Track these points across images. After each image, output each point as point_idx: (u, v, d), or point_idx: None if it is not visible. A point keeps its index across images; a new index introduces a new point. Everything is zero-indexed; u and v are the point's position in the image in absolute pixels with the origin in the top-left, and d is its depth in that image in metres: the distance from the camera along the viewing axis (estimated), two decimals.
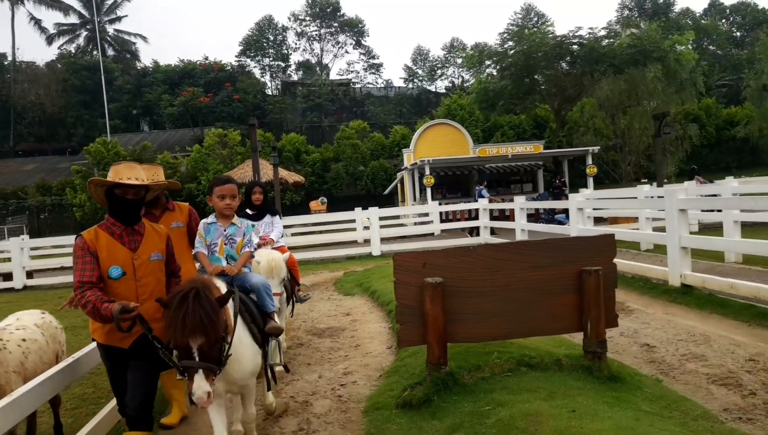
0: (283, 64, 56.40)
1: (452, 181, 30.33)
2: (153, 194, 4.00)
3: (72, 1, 59.65)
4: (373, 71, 57.78)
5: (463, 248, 4.70)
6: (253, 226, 4.27)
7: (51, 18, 64.76)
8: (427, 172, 25.78)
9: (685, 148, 33.84)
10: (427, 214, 21.75)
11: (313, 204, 28.72)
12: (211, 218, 4.05)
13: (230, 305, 3.27)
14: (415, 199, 28.30)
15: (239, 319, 3.41)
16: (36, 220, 37.79)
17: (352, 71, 58.21)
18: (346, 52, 59.08)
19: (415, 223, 23.04)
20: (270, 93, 53.73)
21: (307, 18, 56.65)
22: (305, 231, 21.33)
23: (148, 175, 4.29)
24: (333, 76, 57.36)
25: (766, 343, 5.71)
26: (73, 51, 60.50)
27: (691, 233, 8.90)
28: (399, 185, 32.70)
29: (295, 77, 56.26)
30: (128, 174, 3.48)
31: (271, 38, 55.49)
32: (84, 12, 59.88)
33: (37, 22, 59.83)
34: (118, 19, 62.60)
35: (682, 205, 8.03)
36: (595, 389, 4.22)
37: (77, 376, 4.05)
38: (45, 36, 60.86)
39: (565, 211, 16.76)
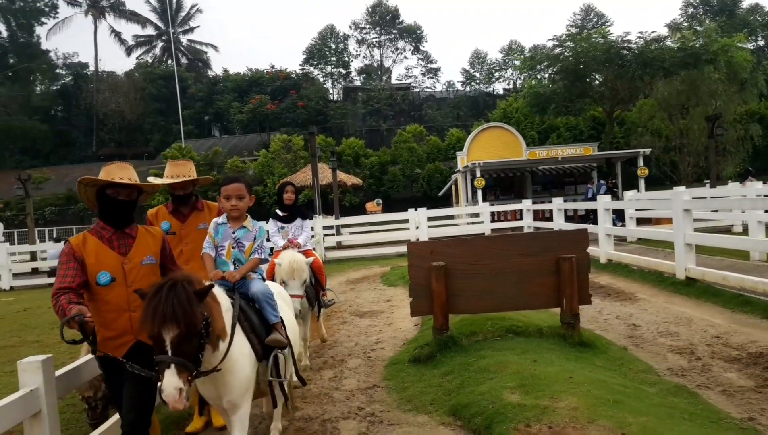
0: (344, 71, 58.43)
1: (505, 183, 31.14)
2: (147, 197, 3.67)
3: (149, 14, 63.81)
4: (431, 75, 59.07)
5: (462, 239, 5.93)
6: (267, 230, 4.02)
7: (130, 30, 69.63)
8: (478, 174, 26.75)
9: (746, 149, 33.32)
10: (478, 215, 22.78)
11: (369, 205, 30.19)
12: (222, 218, 3.75)
13: (227, 310, 3.13)
14: (468, 201, 29.30)
15: (238, 327, 3.19)
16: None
17: (410, 76, 59.73)
18: (405, 57, 60.60)
19: (468, 223, 24.09)
20: (332, 99, 55.78)
21: (368, 26, 58.49)
22: (361, 230, 22.72)
23: (179, 171, 4.37)
24: (392, 81, 58.91)
25: (738, 325, 6.64)
26: (150, 61, 64.59)
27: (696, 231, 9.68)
28: (453, 187, 33.78)
29: (356, 83, 58.13)
30: (120, 174, 3.31)
31: (333, 46, 57.62)
32: (160, 24, 63.82)
33: (117, 35, 64.29)
34: (191, 29, 66.41)
35: (686, 206, 8.92)
36: (562, 350, 5.36)
37: (74, 386, 3.76)
38: (124, 47, 65.28)
39: (617, 213, 17.44)
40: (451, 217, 25.13)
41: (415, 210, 20.67)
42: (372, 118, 50.84)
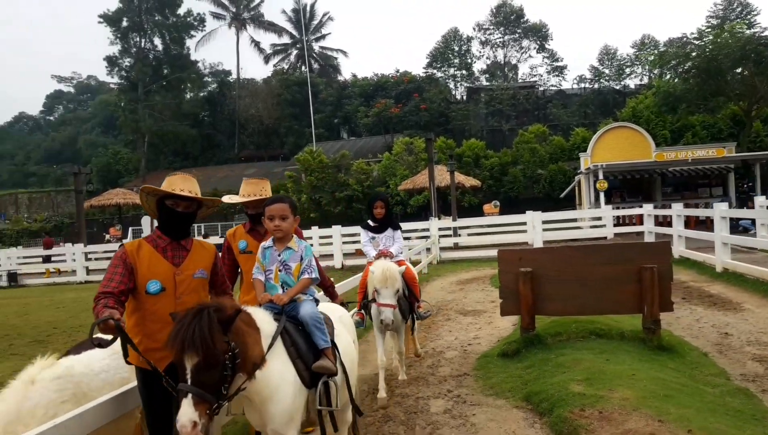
0: (466, 73, 58.85)
1: (632, 185, 30.24)
2: (208, 211, 3.60)
3: (285, 24, 68.19)
4: (557, 73, 57.77)
5: (549, 247, 6.56)
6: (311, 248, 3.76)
7: (268, 40, 74.95)
8: (601, 176, 26.32)
9: None
10: (599, 218, 22.51)
11: (486, 207, 30.63)
12: (268, 242, 3.64)
13: (268, 336, 3.02)
14: (590, 203, 28.84)
15: (283, 353, 3.08)
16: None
17: (535, 75, 58.83)
18: (530, 56, 59.77)
19: (590, 227, 23.81)
20: (454, 100, 56.47)
21: (491, 27, 58.46)
22: (478, 232, 23.27)
23: (251, 190, 4.34)
24: (516, 80, 58.46)
25: None
26: (286, 68, 69.00)
27: None
28: (576, 188, 33.27)
29: (480, 83, 58.38)
30: (181, 186, 3.32)
31: (456, 48, 58.27)
32: (295, 33, 67.97)
33: (257, 44, 69.35)
34: (323, 36, 70.04)
35: (723, 214, 10.95)
36: (639, 352, 5.86)
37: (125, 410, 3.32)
38: (263, 56, 70.25)
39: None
40: (571, 220, 24.93)
41: (542, 212, 20.71)
42: (494, 119, 50.89)
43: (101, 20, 60.58)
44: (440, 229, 20.24)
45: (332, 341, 3.40)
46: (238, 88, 64.76)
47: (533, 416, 4.75)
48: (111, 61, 61.62)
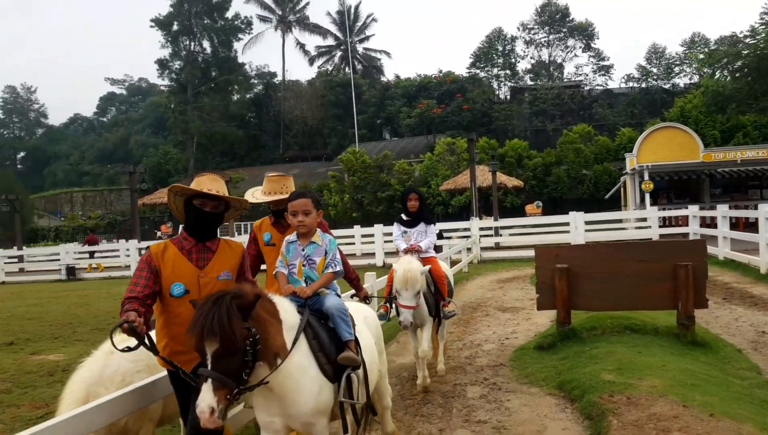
0: (510, 73, 58.57)
1: (680, 186, 29.72)
2: (236, 213, 3.64)
3: (329, 26, 69.17)
4: (603, 73, 56.95)
5: (584, 245, 6.78)
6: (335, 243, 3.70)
7: (313, 42, 76.15)
8: (646, 177, 26.01)
9: None
10: (645, 219, 22.27)
11: (528, 207, 30.54)
12: (293, 236, 3.63)
13: (291, 327, 3.02)
14: (635, 204, 28.48)
15: (305, 345, 3.07)
16: None
17: (580, 74, 58.12)
18: (575, 55, 59.03)
19: (635, 228, 23.54)
20: (498, 100, 56.28)
21: (536, 26, 58.05)
22: (519, 232, 23.27)
23: (272, 188, 4.33)
24: (561, 80, 57.86)
25: None
26: (330, 69, 69.96)
27: None
28: (622, 189, 32.86)
29: (525, 82, 58.03)
30: (209, 186, 3.32)
31: (500, 48, 58.06)
32: (339, 34, 68.87)
33: (302, 46, 70.55)
34: (367, 38, 70.76)
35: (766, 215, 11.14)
36: (671, 347, 6.03)
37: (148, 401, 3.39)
38: (307, 58, 71.42)
39: None
40: (615, 221, 24.67)
41: (585, 213, 20.62)
42: (538, 119, 50.55)
43: (153, 24, 62.69)
44: (481, 228, 20.41)
45: (354, 337, 3.37)
46: (284, 90, 65.99)
47: (565, 402, 5.00)
48: (162, 64, 63.65)
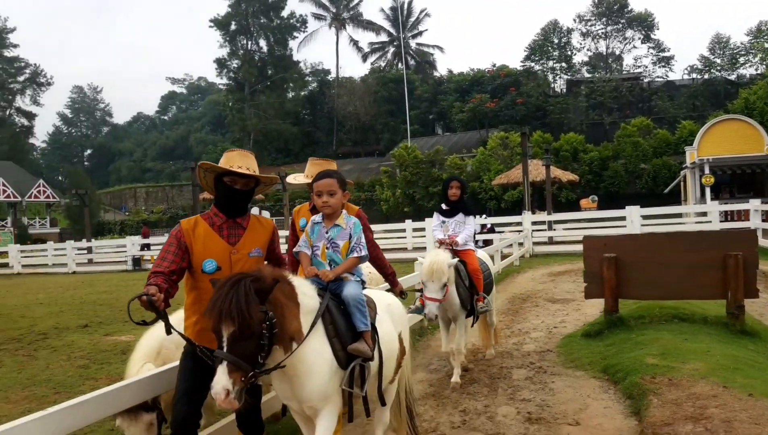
0: (566, 65, 57.50)
1: (743, 181, 28.72)
2: (266, 189, 3.60)
3: (383, 22, 69.57)
4: (663, 64, 55.19)
5: (633, 235, 6.85)
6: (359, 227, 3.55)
7: (366, 38, 76.97)
8: (707, 170, 25.27)
9: None
10: (705, 214, 21.68)
11: (583, 202, 30.11)
12: (319, 217, 3.54)
13: (309, 311, 2.98)
14: (695, 199, 27.69)
15: (322, 330, 3.03)
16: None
17: (639, 66, 56.52)
18: (634, 47, 57.33)
19: (696, 223, 22.94)
20: (554, 93, 55.39)
21: (593, 18, 56.73)
22: (574, 226, 22.96)
23: (314, 172, 4.04)
24: (620, 72, 56.43)
25: None
26: (382, 66, 70.37)
27: None
28: (682, 183, 31.95)
29: (581, 75, 56.90)
30: (240, 162, 3.26)
31: (556, 41, 57.05)
32: (392, 30, 69.21)
33: (355, 43, 71.29)
34: (420, 33, 70.82)
35: None
36: (719, 335, 6.06)
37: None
38: (361, 54, 72.10)
39: None
40: (674, 215, 24.06)
41: (641, 207, 20.26)
42: (595, 112, 49.48)
43: (212, 24, 64.61)
44: (534, 223, 20.33)
45: (373, 326, 3.30)
46: (337, 87, 66.81)
47: (608, 384, 5.15)
48: (220, 63, 65.55)
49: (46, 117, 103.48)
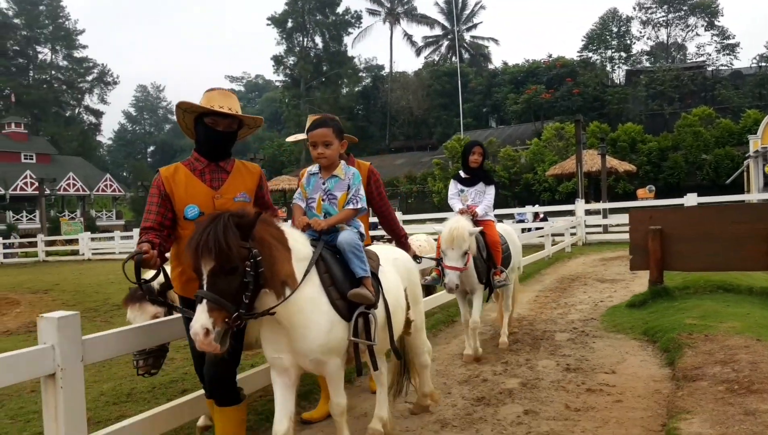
0: (625, 55, 56.13)
1: None
2: (250, 132, 3.34)
3: (437, 16, 69.59)
4: (727, 52, 53.15)
5: (678, 208, 6.98)
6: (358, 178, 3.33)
7: (420, 32, 77.11)
8: None
9: None
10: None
11: (640, 191, 29.52)
12: (315, 168, 3.36)
13: (302, 259, 2.83)
14: (759, 189, 26.77)
15: (317, 278, 2.87)
16: (405, 204, 46.55)
17: (702, 54, 54.63)
18: (697, 35, 55.45)
19: None
20: (612, 84, 54.20)
21: (654, 5, 55.14)
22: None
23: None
24: (682, 60, 54.70)
25: None
26: (436, 59, 70.41)
27: None
28: (745, 174, 30.90)
29: (641, 65, 55.46)
30: (221, 102, 3.06)
31: (615, 30, 55.76)
32: (446, 24, 69.12)
33: (409, 38, 71.52)
34: (474, 26, 70.44)
35: None
36: (763, 303, 6.17)
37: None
38: (414, 48, 72.29)
39: None
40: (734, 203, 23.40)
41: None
42: (654, 102, 48.16)
43: (269, 22, 66.13)
44: (587, 211, 20.21)
45: (375, 275, 3.16)
46: (391, 81, 67.28)
47: (647, 344, 5.37)
48: (277, 60, 67.06)
49: (112, 115, 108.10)
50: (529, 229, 17.45)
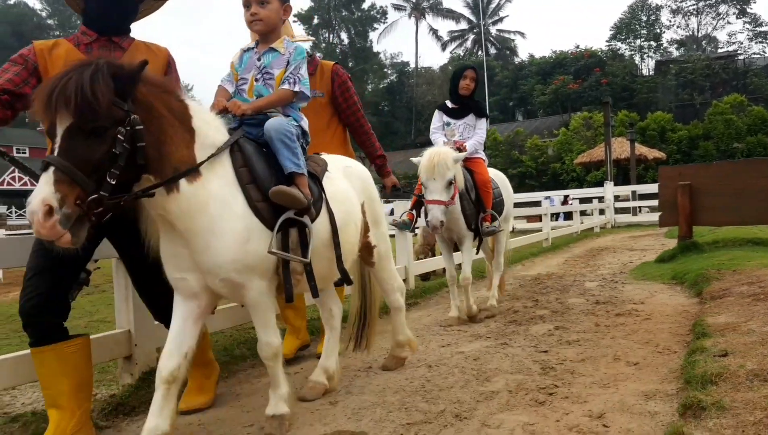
0: (655, 44, 55.38)
1: None
2: (155, 6, 2.77)
3: (463, 10, 69.42)
4: (760, 40, 52.06)
5: (707, 164, 7.04)
6: (305, 53, 2.71)
7: (445, 27, 77.24)
8: None
9: None
10: None
11: None
12: (252, 43, 2.74)
13: (207, 146, 2.18)
14: None
15: (230, 172, 2.24)
16: None
17: (733, 42, 53.61)
18: (728, 22, 54.45)
19: None
20: (642, 73, 53.55)
21: None
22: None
23: None
24: (711, 49, 53.77)
25: None
26: (461, 54, 70.28)
27: None
28: None
29: (671, 54, 54.67)
30: None
31: (644, 19, 55.04)
32: (472, 18, 68.94)
33: (434, 32, 71.46)
34: (500, 20, 70.07)
35: None
36: None
37: None
38: (440, 43, 72.15)
39: None
40: None
41: None
42: (685, 91, 47.45)
43: (295, 19, 66.76)
44: (616, 195, 20.13)
45: (316, 178, 2.59)
46: (416, 76, 67.39)
47: (675, 285, 5.49)
48: None
49: None
50: (558, 215, 17.50)
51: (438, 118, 4.89)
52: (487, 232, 4.49)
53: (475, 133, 4.77)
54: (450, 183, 4.07)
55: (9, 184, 47.59)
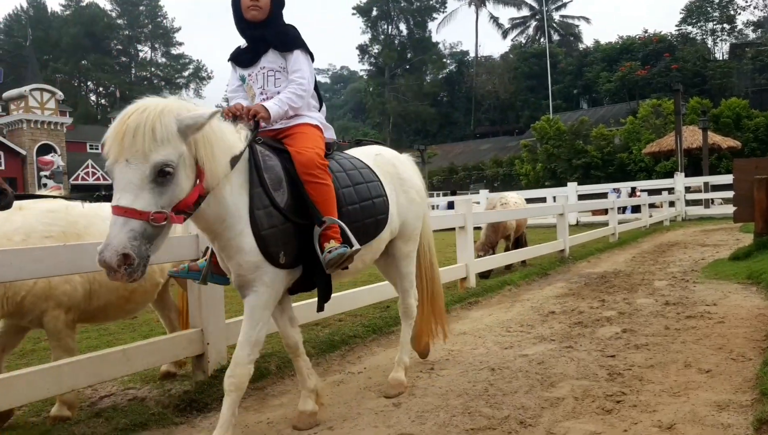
0: (728, 27, 52.61)
1: None
2: None
3: None
4: None
5: None
6: None
7: (506, 14, 75.67)
8: None
9: None
10: None
11: None
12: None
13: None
14: None
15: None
16: (491, 187, 46.19)
17: None
18: None
19: None
20: (715, 58, 51.04)
21: None
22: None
23: None
24: None
25: None
26: (523, 41, 68.90)
27: None
28: None
29: (746, 37, 51.86)
30: None
31: (716, 0, 52.36)
32: (534, 4, 67.38)
33: (495, 20, 70.24)
34: (564, 5, 68.18)
35: None
36: None
37: None
38: (501, 31, 70.93)
39: None
40: None
41: None
42: (762, 76, 44.93)
43: (354, 12, 67.09)
44: (687, 187, 19.33)
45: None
46: (476, 66, 66.56)
47: (751, 285, 5.25)
48: (362, 50, 68.03)
49: None
50: (625, 208, 16.99)
51: (233, 75, 3.00)
52: (331, 260, 2.42)
53: (290, 81, 2.80)
54: (164, 172, 2.03)
55: (83, 178, 50.10)
